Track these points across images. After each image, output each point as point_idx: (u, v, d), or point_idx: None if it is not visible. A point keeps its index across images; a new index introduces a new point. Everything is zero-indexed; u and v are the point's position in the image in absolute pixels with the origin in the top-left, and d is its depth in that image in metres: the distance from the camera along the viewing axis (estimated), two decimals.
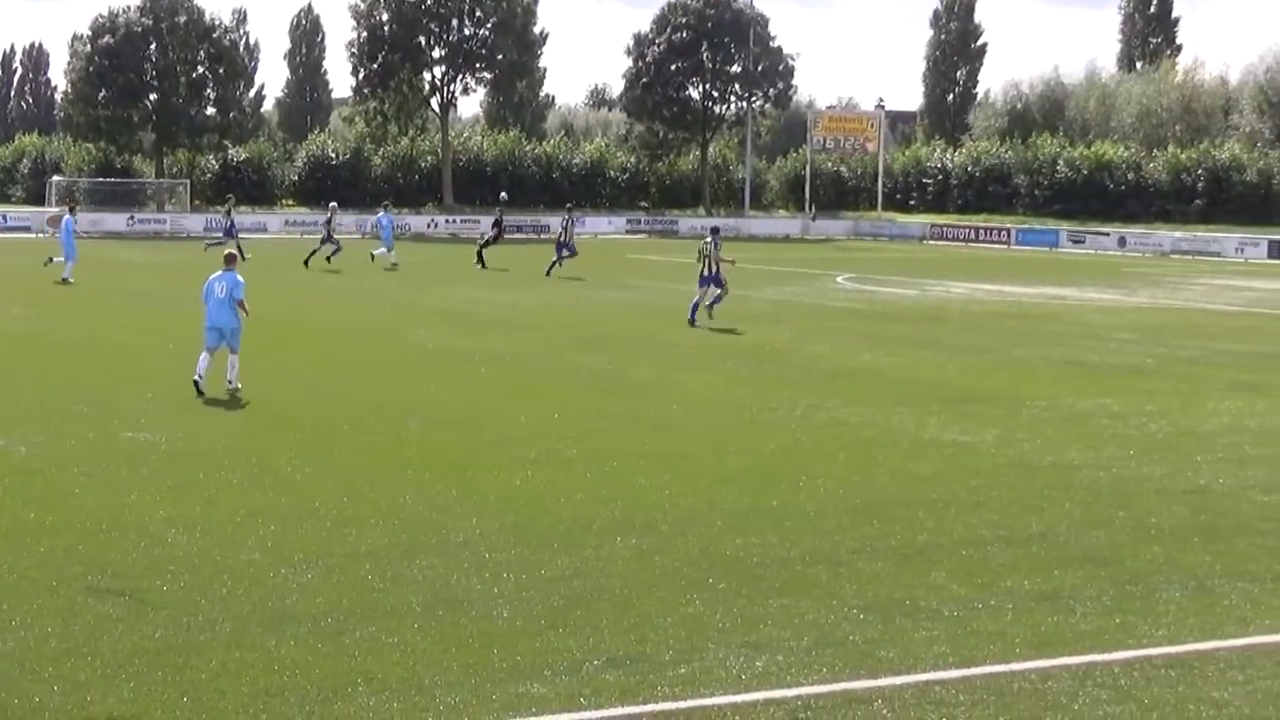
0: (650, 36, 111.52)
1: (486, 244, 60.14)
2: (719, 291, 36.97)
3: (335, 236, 58.42)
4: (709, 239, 37.33)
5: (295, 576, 13.42)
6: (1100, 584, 13.67)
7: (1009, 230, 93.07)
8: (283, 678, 10.89)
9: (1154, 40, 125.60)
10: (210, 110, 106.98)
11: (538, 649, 11.59)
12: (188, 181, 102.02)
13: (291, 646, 11.54)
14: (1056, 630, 12.30)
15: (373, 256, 59.80)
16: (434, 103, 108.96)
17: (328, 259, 57.05)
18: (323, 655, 11.38)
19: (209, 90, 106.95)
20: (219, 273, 24.39)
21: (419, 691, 10.66)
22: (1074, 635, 12.18)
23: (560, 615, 12.44)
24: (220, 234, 63.14)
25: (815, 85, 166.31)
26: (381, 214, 63.85)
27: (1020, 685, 11.07)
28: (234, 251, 25.47)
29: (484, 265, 57.60)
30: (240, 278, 24.24)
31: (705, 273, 36.98)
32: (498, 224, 61.79)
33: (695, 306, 36.77)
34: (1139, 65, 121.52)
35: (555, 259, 53.87)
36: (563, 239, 54.65)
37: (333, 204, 65.93)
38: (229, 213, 62.38)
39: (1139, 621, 12.55)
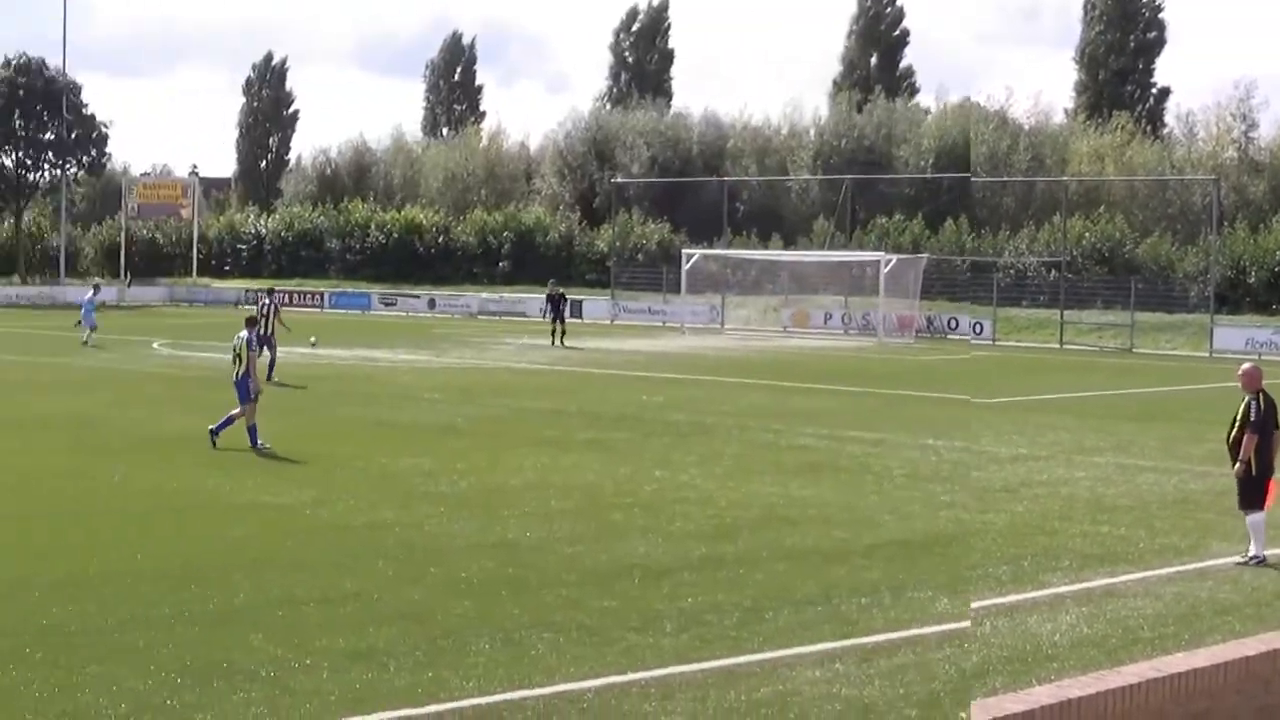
0: None
1: None
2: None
3: None
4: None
5: None
6: (413, 640, 14.08)
7: (323, 294, 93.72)
8: None
9: (458, 107, 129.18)
10: None
11: None
12: None
13: None
14: (371, 687, 12.61)
15: None
16: None
17: None
18: None
19: None
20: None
21: None
22: (388, 691, 12.52)
23: None
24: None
25: (130, 152, 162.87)
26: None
27: None
28: None
29: None
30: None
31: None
32: None
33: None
34: (445, 131, 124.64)
35: None
36: None
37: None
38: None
39: (451, 675, 12.99)
